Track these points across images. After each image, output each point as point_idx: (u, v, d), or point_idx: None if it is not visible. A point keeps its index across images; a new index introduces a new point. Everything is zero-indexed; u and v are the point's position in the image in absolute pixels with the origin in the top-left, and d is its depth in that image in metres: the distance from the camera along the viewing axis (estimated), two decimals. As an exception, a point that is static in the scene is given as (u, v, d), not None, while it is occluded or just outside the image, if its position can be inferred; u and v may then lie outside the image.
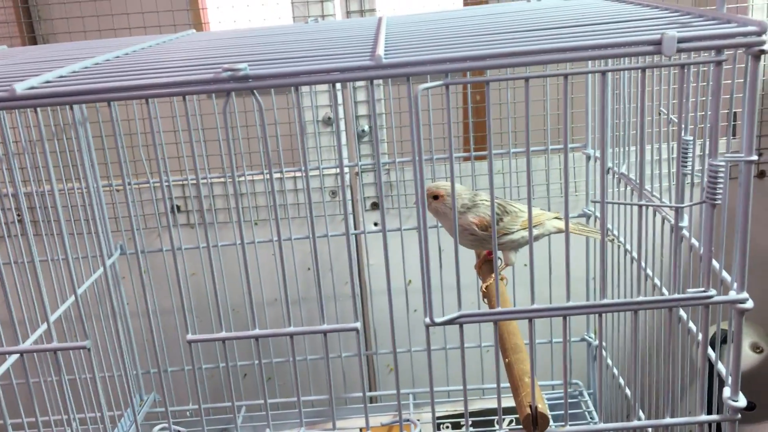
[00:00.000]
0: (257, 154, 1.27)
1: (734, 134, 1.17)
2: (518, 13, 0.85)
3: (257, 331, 0.62)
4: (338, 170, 1.27)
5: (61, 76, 0.62)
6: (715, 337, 0.76)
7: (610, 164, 0.96)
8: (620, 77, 0.92)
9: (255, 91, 0.56)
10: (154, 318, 1.17)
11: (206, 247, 0.64)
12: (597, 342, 1.19)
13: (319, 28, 0.91)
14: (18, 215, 1.13)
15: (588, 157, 1.09)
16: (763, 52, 0.53)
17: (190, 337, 0.61)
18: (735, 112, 1.19)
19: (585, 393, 1.20)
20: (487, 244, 0.93)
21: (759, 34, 0.53)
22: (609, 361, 1.07)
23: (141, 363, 1.22)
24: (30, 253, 0.67)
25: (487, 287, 0.92)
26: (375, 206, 1.33)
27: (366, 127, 1.29)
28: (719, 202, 0.58)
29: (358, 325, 0.61)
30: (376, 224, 1.33)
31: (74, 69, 0.66)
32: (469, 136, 1.24)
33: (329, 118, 1.29)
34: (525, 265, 1.11)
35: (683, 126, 0.65)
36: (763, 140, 1.35)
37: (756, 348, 1.20)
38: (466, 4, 1.53)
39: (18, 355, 0.66)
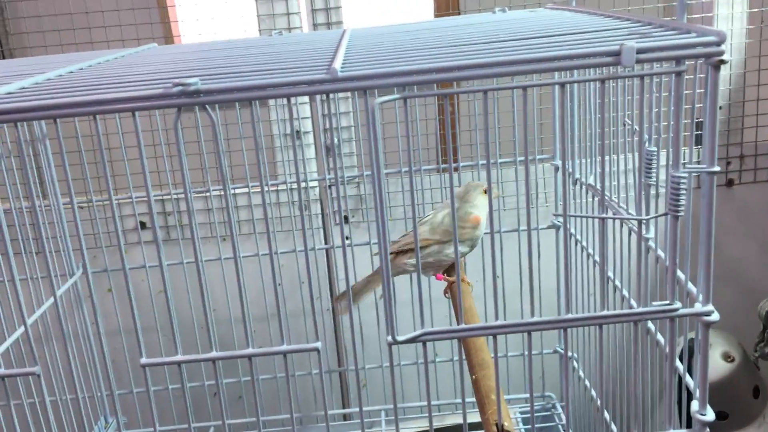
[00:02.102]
0: (215, 169, 1.25)
1: (698, 143, 1.17)
2: (483, 24, 0.84)
3: (215, 354, 0.60)
4: (308, 183, 1.26)
5: (9, 93, 0.60)
6: (684, 350, 0.75)
7: (578, 175, 0.96)
8: (586, 88, 0.92)
9: (214, 105, 0.54)
10: (117, 338, 1.14)
11: (174, 264, 0.62)
12: (569, 354, 1.18)
13: (282, 41, 0.89)
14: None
15: (556, 168, 1.09)
16: (722, 62, 0.53)
17: (144, 360, 0.59)
18: (699, 122, 1.20)
19: (558, 406, 1.19)
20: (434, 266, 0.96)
21: (718, 44, 0.53)
22: (581, 374, 1.06)
23: (105, 385, 1.18)
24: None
25: (451, 294, 0.91)
26: (344, 220, 1.31)
27: (334, 140, 1.27)
28: (682, 213, 0.57)
29: (319, 345, 0.59)
30: (347, 238, 1.31)
31: (23, 85, 0.64)
32: (446, 147, 1.23)
33: (297, 132, 1.27)
34: (498, 276, 1.10)
35: (647, 136, 0.65)
36: (731, 149, 1.36)
37: (727, 357, 1.20)
38: (436, 15, 1.53)
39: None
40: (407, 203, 1.25)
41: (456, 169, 1.24)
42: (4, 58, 1.41)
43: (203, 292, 0.60)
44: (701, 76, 0.57)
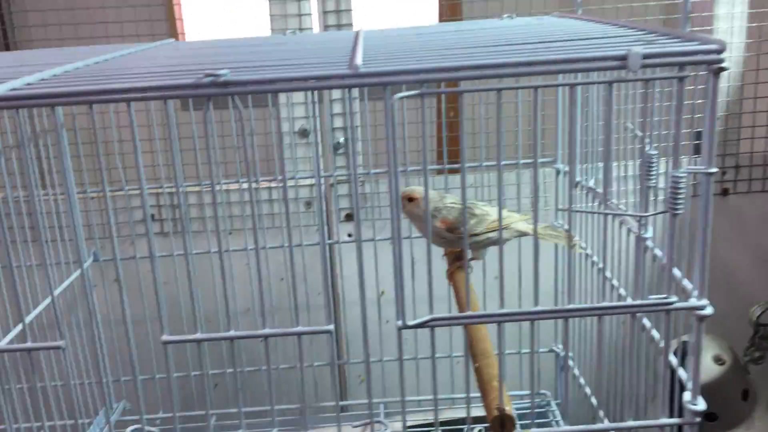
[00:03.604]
0: (232, 164, 1.28)
1: (697, 152, 1.21)
2: (491, 29, 0.88)
3: (232, 333, 0.63)
4: (314, 180, 1.29)
5: (43, 79, 0.63)
6: (678, 350, 0.78)
7: (579, 178, 0.99)
8: (589, 95, 0.95)
9: (232, 99, 0.57)
10: (127, 325, 1.17)
11: (182, 254, 0.65)
12: (564, 351, 1.21)
13: (297, 40, 0.92)
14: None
15: (557, 172, 1.12)
16: (722, 69, 0.56)
17: (165, 337, 0.62)
18: (698, 132, 1.23)
19: (552, 403, 1.22)
20: (456, 245, 0.96)
21: (719, 52, 0.56)
22: (576, 371, 1.09)
23: (111, 371, 1.21)
24: (6, 258, 0.67)
25: (456, 287, 0.93)
26: (349, 217, 1.34)
27: (341, 139, 1.30)
28: (680, 211, 0.60)
29: (332, 327, 0.62)
30: (350, 235, 1.34)
31: (55, 73, 0.67)
32: (442, 150, 1.26)
33: (305, 130, 1.30)
34: (495, 277, 1.13)
35: (648, 140, 0.68)
36: (727, 159, 1.39)
37: (718, 360, 1.23)
38: (441, 20, 1.56)
39: (-10, 356, 0.66)
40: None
41: (457, 171, 1.27)
42: (8, 50, 1.43)
43: (223, 278, 0.63)
44: (701, 87, 0.61)
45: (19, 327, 0.69)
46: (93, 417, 1.11)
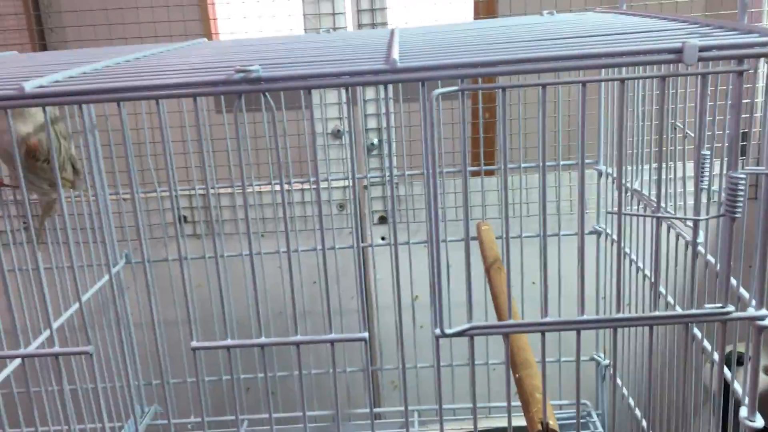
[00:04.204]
0: (265, 166, 1.26)
1: (743, 154, 1.16)
2: (532, 25, 0.84)
3: (263, 339, 0.60)
4: (346, 182, 1.27)
5: (71, 77, 0.61)
6: (730, 357, 0.74)
7: (623, 180, 0.95)
8: (635, 94, 0.91)
9: (267, 94, 0.55)
10: (158, 328, 1.16)
11: (213, 257, 0.63)
12: (606, 361, 1.17)
13: (331, 38, 0.90)
14: (24, 223, 1.12)
15: (599, 174, 1.08)
16: (785, 62, 0.53)
17: (195, 344, 0.60)
18: (743, 132, 1.18)
19: (593, 414, 1.18)
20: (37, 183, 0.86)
21: (781, 44, 0.52)
22: (619, 382, 1.05)
23: (143, 374, 1.20)
24: (35, 260, 0.66)
25: (496, 300, 0.89)
26: (382, 220, 1.32)
27: (375, 141, 1.28)
28: (739, 215, 0.56)
29: (365, 335, 0.59)
30: (383, 238, 1.32)
31: (84, 71, 0.65)
32: (479, 152, 1.23)
33: (338, 131, 1.28)
34: (533, 282, 1.10)
35: (701, 139, 0.64)
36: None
37: (768, 371, 1.17)
38: (476, 17, 1.53)
39: (20, 360, 0.65)
40: (451, 205, 1.25)
41: (492, 173, 1.24)
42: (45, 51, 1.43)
43: (254, 283, 0.61)
44: (747, 86, 0.57)
45: (47, 333, 0.68)
46: (124, 421, 1.10)
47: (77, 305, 0.87)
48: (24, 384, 0.69)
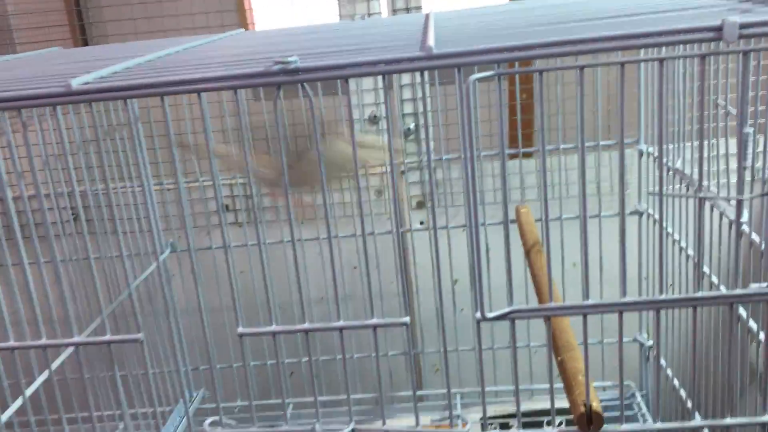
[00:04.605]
0: (304, 153, 1.27)
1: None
2: (567, 5, 0.84)
3: (307, 325, 0.62)
4: (385, 168, 1.27)
5: (115, 73, 0.63)
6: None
7: (664, 160, 0.94)
8: (675, 70, 0.90)
9: (305, 84, 0.56)
10: (204, 315, 1.19)
11: (255, 244, 0.64)
12: (650, 342, 1.16)
13: (366, 25, 0.90)
14: (73, 214, 1.15)
15: (641, 153, 1.07)
16: (829, 37, 0.51)
17: (241, 330, 0.61)
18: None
19: (637, 395, 1.17)
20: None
21: (826, 19, 0.51)
22: (663, 362, 1.04)
23: (190, 360, 1.23)
24: (85, 250, 0.68)
25: (536, 283, 0.89)
26: (420, 205, 1.32)
27: (412, 126, 1.28)
28: (784, 193, 0.55)
29: (407, 319, 0.60)
30: (422, 222, 1.32)
31: (127, 66, 0.67)
32: (516, 134, 1.22)
33: (375, 117, 1.29)
34: (574, 264, 1.09)
35: (744, 117, 0.63)
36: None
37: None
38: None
39: (73, 348, 0.67)
40: (489, 188, 1.25)
41: (530, 155, 1.23)
42: (87, 45, 1.46)
43: (296, 269, 0.62)
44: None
45: (98, 320, 0.70)
46: (173, 405, 1.13)
47: (126, 293, 0.90)
48: (78, 370, 0.71)
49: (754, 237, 0.68)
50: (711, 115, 0.81)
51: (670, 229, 0.95)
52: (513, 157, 1.18)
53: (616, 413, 0.72)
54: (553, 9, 0.80)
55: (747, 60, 0.54)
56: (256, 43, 0.82)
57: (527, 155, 1.21)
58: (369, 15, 1.27)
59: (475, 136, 1.10)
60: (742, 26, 0.51)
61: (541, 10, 0.80)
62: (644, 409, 1.13)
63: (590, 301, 0.59)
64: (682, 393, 0.98)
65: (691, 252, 0.90)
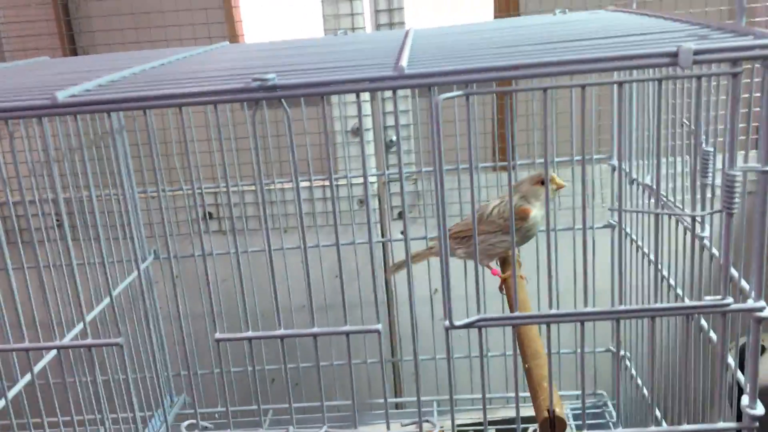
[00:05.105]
0: (288, 163, 1.30)
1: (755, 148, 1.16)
2: (543, 25, 0.87)
3: (282, 331, 0.64)
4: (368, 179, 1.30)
5: (100, 85, 0.65)
6: (736, 354, 0.76)
7: (634, 175, 0.97)
8: (645, 90, 0.93)
9: (284, 100, 0.59)
10: (185, 321, 1.20)
11: (236, 252, 0.66)
12: (622, 352, 1.19)
13: (347, 41, 0.93)
14: (57, 220, 1.17)
15: (613, 168, 1.10)
16: (777, 64, 0.54)
17: (218, 335, 0.64)
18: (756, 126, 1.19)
19: (610, 404, 1.20)
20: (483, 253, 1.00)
21: (775, 46, 0.54)
22: (633, 372, 1.07)
23: (172, 365, 1.25)
24: (68, 256, 0.70)
25: (505, 287, 0.93)
26: (402, 215, 1.35)
27: (394, 137, 1.31)
28: (736, 210, 0.58)
29: (380, 326, 0.63)
30: (402, 233, 1.35)
31: (113, 78, 0.69)
32: (505, 146, 1.25)
33: (358, 129, 1.31)
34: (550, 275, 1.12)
35: (704, 137, 0.66)
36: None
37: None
38: (496, 15, 1.55)
39: (55, 351, 0.69)
40: (464, 200, 1.27)
41: (513, 168, 1.26)
42: (76, 55, 1.48)
43: (272, 275, 0.65)
44: (758, 80, 0.59)
45: (80, 325, 0.72)
46: (154, 410, 1.15)
47: (108, 299, 0.91)
48: (59, 374, 0.73)
49: (715, 252, 0.71)
50: (678, 133, 0.84)
51: (640, 242, 0.99)
52: (502, 169, 1.22)
53: (589, 421, 0.75)
54: (526, 29, 0.83)
55: (700, 84, 0.57)
56: (240, 57, 0.84)
57: (504, 168, 1.24)
58: (353, 30, 1.29)
59: (456, 150, 1.13)
60: (697, 52, 0.54)
61: (514, 30, 0.83)
62: (615, 418, 1.16)
63: (552, 311, 0.62)
64: (650, 400, 1.00)
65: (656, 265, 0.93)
